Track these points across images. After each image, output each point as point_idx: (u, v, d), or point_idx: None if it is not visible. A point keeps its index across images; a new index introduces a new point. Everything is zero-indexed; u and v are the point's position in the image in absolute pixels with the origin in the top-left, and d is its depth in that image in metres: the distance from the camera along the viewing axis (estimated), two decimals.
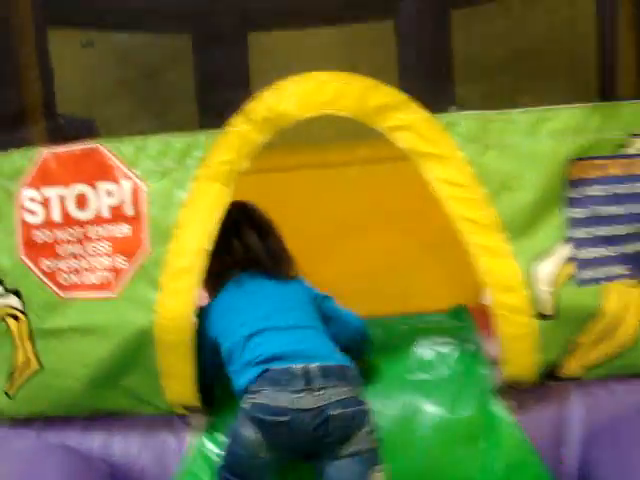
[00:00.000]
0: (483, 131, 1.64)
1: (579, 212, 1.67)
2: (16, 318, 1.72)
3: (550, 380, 1.71)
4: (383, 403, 1.70)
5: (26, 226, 1.70)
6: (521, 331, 1.63)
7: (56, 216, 1.68)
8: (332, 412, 1.43)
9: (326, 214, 2.20)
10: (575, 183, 1.67)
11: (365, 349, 1.77)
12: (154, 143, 1.66)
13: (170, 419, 1.76)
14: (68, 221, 1.68)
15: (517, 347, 1.64)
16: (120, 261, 1.66)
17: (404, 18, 2.30)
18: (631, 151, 1.65)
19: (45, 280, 1.69)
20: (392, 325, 2.00)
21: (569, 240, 1.66)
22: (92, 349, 1.69)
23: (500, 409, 1.70)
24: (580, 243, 1.67)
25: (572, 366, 1.71)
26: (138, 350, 1.66)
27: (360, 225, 2.23)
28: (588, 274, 1.66)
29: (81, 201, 1.67)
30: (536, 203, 1.64)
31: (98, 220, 1.67)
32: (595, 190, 1.67)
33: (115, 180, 1.66)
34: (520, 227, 1.64)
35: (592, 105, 1.65)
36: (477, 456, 1.65)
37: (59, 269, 1.69)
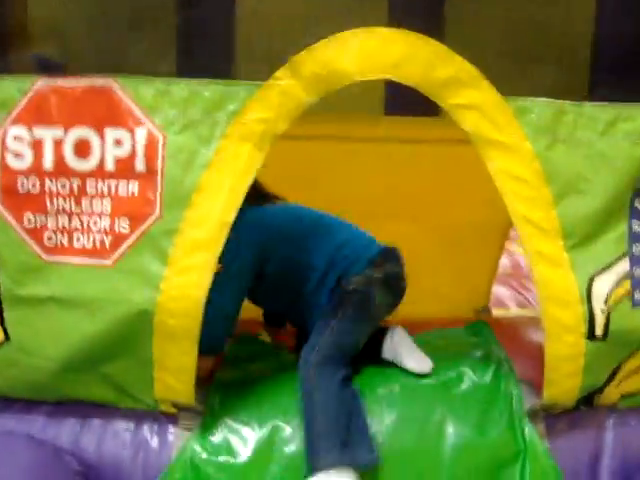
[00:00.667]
0: (555, 122, 1.46)
1: None
2: None
3: (585, 406, 1.56)
4: (405, 422, 1.51)
5: (8, 171, 1.41)
6: (570, 351, 1.48)
7: (48, 162, 1.40)
8: None
9: (338, 192, 1.95)
10: None
11: None
12: (180, 89, 1.39)
13: (154, 415, 1.52)
14: (62, 170, 1.39)
15: (563, 368, 1.49)
16: (122, 224, 1.40)
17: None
18: None
19: (26, 238, 1.41)
20: None
21: (628, 256, 1.50)
22: (74, 325, 1.43)
23: (532, 433, 1.53)
24: (639, 260, 1.51)
25: (612, 393, 1.57)
26: (131, 333, 1.42)
27: (371, 210, 2.00)
28: None
29: (81, 148, 1.39)
30: (602, 210, 1.48)
31: (100, 172, 1.40)
32: None
33: (127, 127, 1.39)
34: (582, 235, 1.48)
35: None
36: None
37: (45, 226, 1.41)
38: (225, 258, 1.39)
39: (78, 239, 1.41)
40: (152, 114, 1.38)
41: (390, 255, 1.69)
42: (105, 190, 1.40)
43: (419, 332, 1.76)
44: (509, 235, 2.12)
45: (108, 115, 1.38)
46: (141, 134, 1.38)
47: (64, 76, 2.03)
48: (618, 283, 1.51)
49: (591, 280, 1.47)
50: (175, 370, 1.45)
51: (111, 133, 1.38)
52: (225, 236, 1.39)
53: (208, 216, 1.38)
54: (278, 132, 1.40)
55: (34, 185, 1.40)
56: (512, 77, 1.89)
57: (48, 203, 1.40)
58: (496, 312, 2.21)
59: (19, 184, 1.40)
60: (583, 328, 1.46)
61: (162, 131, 1.38)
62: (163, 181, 1.38)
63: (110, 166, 1.39)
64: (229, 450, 1.47)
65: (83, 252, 1.41)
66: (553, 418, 1.55)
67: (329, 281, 1.62)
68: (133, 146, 1.38)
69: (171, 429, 1.51)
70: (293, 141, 1.53)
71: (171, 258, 1.38)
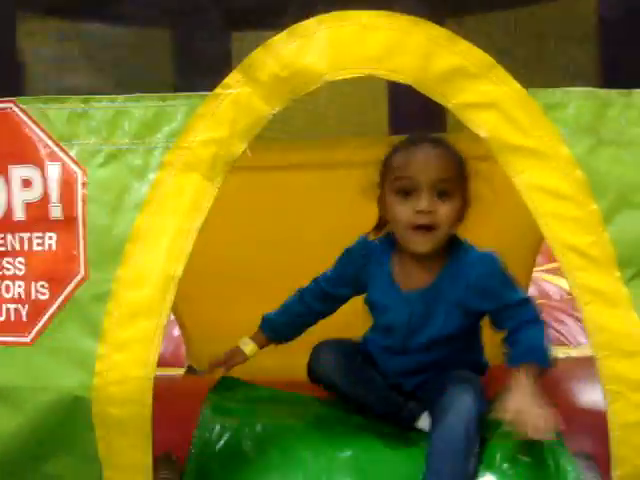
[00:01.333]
0: (598, 118, 1.13)
1: None
2: None
3: None
4: None
5: None
6: None
7: None
8: None
9: (324, 223, 1.67)
10: None
11: None
12: (101, 108, 1.08)
13: None
14: None
15: (633, 438, 1.14)
16: (40, 289, 1.09)
17: None
18: None
19: None
20: None
21: None
22: None
23: None
24: None
25: None
26: (65, 426, 1.12)
27: None
28: None
29: None
30: None
31: (7, 224, 1.09)
32: None
33: (36, 162, 1.08)
34: None
35: None
36: None
37: None
38: None
39: None
40: (67, 143, 1.07)
41: None
42: (16, 246, 1.09)
43: None
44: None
45: (10, 149, 1.09)
46: (54, 171, 1.07)
47: None
48: None
49: None
50: (127, 468, 1.14)
51: (16, 172, 1.08)
52: (173, 295, 1.06)
53: (148, 272, 1.07)
54: (234, 155, 1.07)
55: None
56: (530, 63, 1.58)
57: None
58: None
59: None
60: None
61: (81, 165, 1.07)
62: (86, 230, 1.07)
63: (19, 214, 1.09)
64: None
65: None
66: None
67: None
68: (45, 187, 1.07)
69: None
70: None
71: (105, 330, 1.08)
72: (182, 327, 1.91)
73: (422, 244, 1.27)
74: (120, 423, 1.10)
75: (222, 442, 1.30)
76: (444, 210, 1.25)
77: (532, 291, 2.13)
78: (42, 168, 1.07)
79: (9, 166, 1.08)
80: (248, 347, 1.44)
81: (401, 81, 1.08)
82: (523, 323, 1.29)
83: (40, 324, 1.09)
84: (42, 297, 1.09)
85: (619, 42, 1.54)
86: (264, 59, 1.07)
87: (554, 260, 1.20)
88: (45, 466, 1.17)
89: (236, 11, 2.00)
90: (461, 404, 1.22)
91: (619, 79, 1.18)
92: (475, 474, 1.20)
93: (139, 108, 1.08)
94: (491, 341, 1.48)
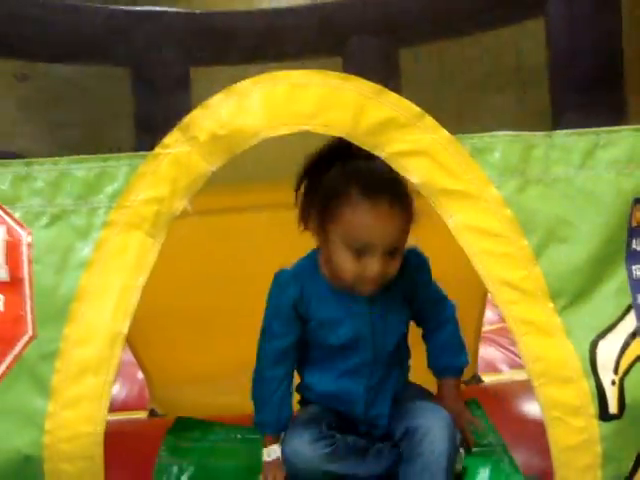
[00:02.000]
0: (524, 159, 1.19)
1: None
2: None
3: None
4: None
5: None
6: (581, 439, 1.17)
7: None
8: None
9: (275, 262, 1.69)
10: (639, 231, 1.24)
11: None
12: (44, 171, 1.10)
13: None
14: None
15: (577, 461, 1.18)
16: None
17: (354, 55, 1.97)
18: None
19: None
20: None
21: (633, 308, 1.22)
22: None
23: None
24: None
25: None
26: None
27: None
28: None
29: None
30: (594, 259, 1.20)
31: None
32: None
33: None
34: (574, 293, 1.19)
35: None
36: None
37: None
38: None
39: None
40: (11, 206, 1.09)
41: None
42: None
43: None
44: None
45: None
46: None
47: None
48: (627, 344, 1.22)
49: (594, 346, 1.19)
50: None
51: None
52: (120, 351, 1.08)
53: (94, 329, 1.08)
54: (175, 212, 1.10)
55: None
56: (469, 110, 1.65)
57: None
58: (488, 379, 1.90)
59: None
60: (592, 408, 1.17)
61: (25, 227, 1.09)
62: (33, 291, 1.08)
63: None
64: None
65: None
66: None
67: None
68: None
69: None
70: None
71: (54, 388, 1.08)
72: (144, 371, 1.91)
73: (369, 291, 1.26)
74: (73, 478, 1.10)
75: None
76: (393, 266, 1.23)
77: (490, 316, 2.18)
78: None
79: None
80: (278, 452, 1.30)
81: (334, 134, 1.13)
82: (442, 322, 1.38)
83: None
84: None
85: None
86: (202, 119, 1.11)
87: None
88: None
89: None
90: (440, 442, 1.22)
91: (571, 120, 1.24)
92: None
93: (81, 169, 1.10)
94: None
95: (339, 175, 1.23)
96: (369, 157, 1.16)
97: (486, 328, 1.98)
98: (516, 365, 1.99)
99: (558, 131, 1.21)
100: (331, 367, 1.32)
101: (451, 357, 1.40)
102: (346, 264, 1.21)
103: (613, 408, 1.18)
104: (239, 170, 1.18)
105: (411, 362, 1.44)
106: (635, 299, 1.23)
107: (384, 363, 1.32)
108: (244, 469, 1.34)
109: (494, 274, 1.16)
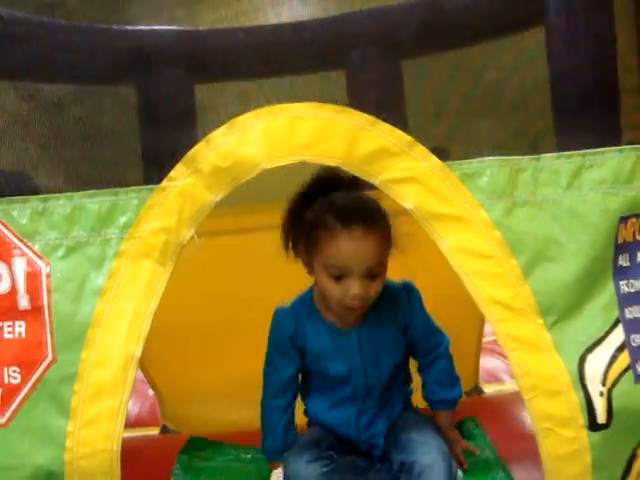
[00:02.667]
0: (511, 183, 1.24)
1: (631, 285, 1.28)
2: None
3: None
4: None
5: None
6: (571, 448, 1.22)
7: None
8: None
9: (281, 281, 1.74)
10: (625, 247, 1.28)
11: None
12: (60, 205, 1.18)
13: None
14: None
15: (567, 470, 1.23)
16: (11, 374, 1.18)
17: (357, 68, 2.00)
18: None
19: None
20: None
21: (621, 323, 1.27)
22: None
23: None
24: (634, 326, 1.28)
25: None
26: None
27: None
28: None
29: None
30: (583, 276, 1.25)
31: None
32: None
33: (3, 258, 1.18)
34: (563, 309, 1.24)
35: None
36: None
37: None
38: None
39: None
40: (30, 239, 1.17)
41: None
42: None
43: None
44: None
45: None
46: (20, 265, 1.16)
47: (33, 184, 1.84)
48: (615, 357, 1.27)
49: (582, 360, 1.24)
50: None
51: None
52: (134, 372, 1.15)
53: (110, 353, 1.15)
54: (183, 241, 1.18)
55: None
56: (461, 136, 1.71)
57: None
58: (489, 389, 1.94)
59: None
60: (582, 419, 1.22)
61: (44, 258, 1.17)
62: (52, 318, 1.16)
63: None
64: None
65: None
66: None
67: None
68: (13, 280, 1.16)
69: None
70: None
71: (73, 408, 1.16)
72: (154, 389, 1.97)
73: (353, 317, 1.34)
74: None
75: None
76: (374, 289, 1.29)
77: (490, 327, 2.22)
78: (9, 263, 1.16)
79: None
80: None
81: (330, 164, 1.20)
82: (436, 356, 1.44)
83: (13, 406, 1.17)
84: (14, 381, 1.17)
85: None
86: (206, 152, 1.18)
87: None
88: None
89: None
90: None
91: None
92: None
93: (94, 203, 1.18)
94: None
95: (318, 208, 1.30)
96: (350, 188, 1.26)
97: (488, 339, 2.01)
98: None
99: (545, 154, 1.26)
100: (328, 394, 1.40)
101: (445, 391, 1.45)
102: (329, 290, 1.29)
103: (601, 418, 1.23)
104: (243, 192, 1.24)
105: (413, 386, 1.51)
106: (623, 313, 1.28)
107: (379, 389, 1.39)
108: None
109: (485, 293, 1.21)
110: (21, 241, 1.17)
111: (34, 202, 1.18)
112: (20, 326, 1.17)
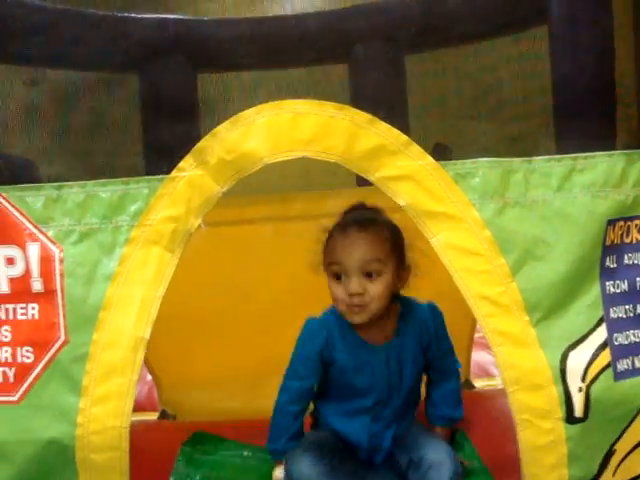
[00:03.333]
0: (503, 184, 1.29)
1: (617, 286, 1.33)
2: None
3: None
4: None
5: None
6: (548, 439, 1.28)
7: None
8: None
9: (282, 272, 1.81)
10: (612, 249, 1.33)
11: None
12: (73, 193, 1.23)
13: None
14: None
15: (544, 460, 1.29)
16: (25, 354, 1.23)
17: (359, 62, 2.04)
18: None
19: None
20: None
21: (604, 321, 1.33)
22: None
23: None
24: (617, 325, 1.33)
25: None
26: (52, 473, 1.24)
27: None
28: (626, 364, 1.33)
29: None
30: (569, 276, 1.30)
31: None
32: (637, 258, 1.34)
33: (18, 243, 1.23)
34: (549, 307, 1.30)
35: (634, 152, 1.32)
36: None
37: None
38: None
39: None
40: (44, 225, 1.23)
41: None
42: (2, 316, 1.24)
43: None
44: None
45: None
46: (34, 250, 1.22)
47: (37, 171, 1.89)
48: (596, 355, 1.33)
49: (564, 356, 1.29)
50: None
51: (1, 251, 1.23)
52: (142, 354, 1.22)
53: (120, 335, 1.21)
54: (190, 229, 1.24)
55: None
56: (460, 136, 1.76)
57: None
58: (480, 383, 2.00)
59: None
60: (560, 412, 1.28)
61: (57, 244, 1.23)
62: (64, 301, 1.22)
63: (4, 288, 1.24)
64: None
65: None
66: None
67: None
68: (27, 264, 1.22)
69: None
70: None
71: (85, 387, 1.22)
72: (152, 374, 2.01)
73: (357, 318, 1.38)
74: (101, 467, 1.23)
75: None
76: (374, 289, 1.34)
77: None
78: (23, 248, 1.22)
79: None
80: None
81: (330, 160, 1.25)
82: (449, 375, 1.51)
83: (26, 384, 1.23)
84: (27, 360, 1.23)
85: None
86: (212, 145, 1.23)
87: None
88: None
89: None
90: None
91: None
92: None
93: (106, 192, 1.24)
94: None
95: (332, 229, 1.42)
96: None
97: (480, 334, 2.07)
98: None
99: (537, 157, 1.31)
100: (345, 403, 1.45)
101: (450, 409, 1.52)
102: (333, 290, 1.37)
103: (579, 412, 1.29)
104: (247, 184, 1.30)
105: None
106: (607, 313, 1.33)
107: (397, 404, 1.45)
108: None
109: (473, 290, 1.26)
110: (35, 227, 1.23)
111: (48, 189, 1.24)
112: (33, 308, 1.23)
